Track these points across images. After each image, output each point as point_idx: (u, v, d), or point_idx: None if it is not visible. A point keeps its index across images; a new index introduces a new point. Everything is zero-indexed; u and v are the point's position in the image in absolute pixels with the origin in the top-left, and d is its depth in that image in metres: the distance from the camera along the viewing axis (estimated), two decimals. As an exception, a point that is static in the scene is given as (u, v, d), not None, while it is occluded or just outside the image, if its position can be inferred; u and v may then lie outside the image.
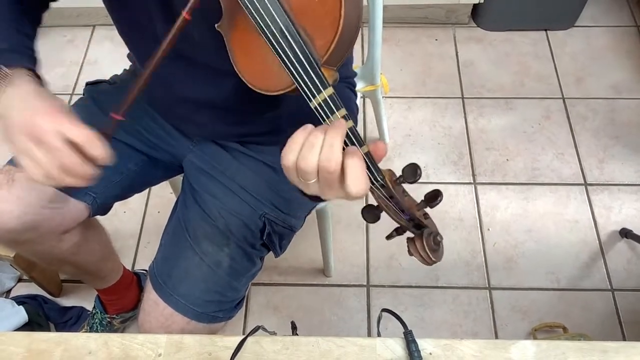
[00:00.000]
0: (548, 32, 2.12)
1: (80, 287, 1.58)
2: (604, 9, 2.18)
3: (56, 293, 1.57)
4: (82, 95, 1.07)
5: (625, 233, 1.62)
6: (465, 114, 1.92)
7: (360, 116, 1.89)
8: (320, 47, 0.56)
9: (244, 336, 0.72)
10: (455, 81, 2.00)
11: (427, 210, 0.62)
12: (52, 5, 0.86)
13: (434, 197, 0.58)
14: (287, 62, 0.57)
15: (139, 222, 1.71)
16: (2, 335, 0.74)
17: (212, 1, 0.62)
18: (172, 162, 1.06)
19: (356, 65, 0.92)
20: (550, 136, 1.86)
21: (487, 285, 1.58)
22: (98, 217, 1.11)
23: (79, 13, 2.08)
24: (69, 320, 1.52)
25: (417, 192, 0.63)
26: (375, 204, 0.62)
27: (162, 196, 1.74)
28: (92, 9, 1.99)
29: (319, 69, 0.56)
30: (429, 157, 1.81)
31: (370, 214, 0.61)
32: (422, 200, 0.59)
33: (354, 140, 0.57)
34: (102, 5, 0.83)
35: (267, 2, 0.56)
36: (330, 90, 0.56)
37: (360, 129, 1.88)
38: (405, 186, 0.61)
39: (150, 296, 0.90)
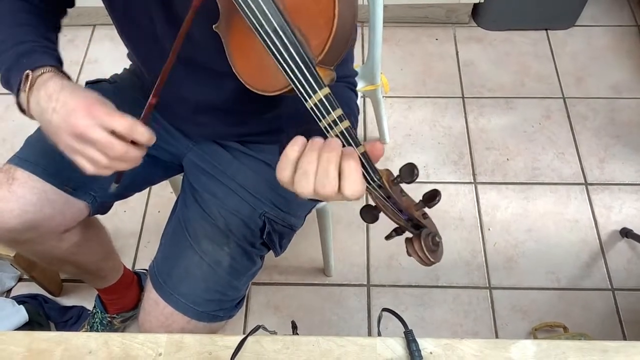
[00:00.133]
0: (548, 31, 2.12)
1: (81, 287, 1.58)
2: (604, 9, 2.18)
3: (56, 292, 1.57)
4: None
5: (625, 233, 1.62)
6: (465, 113, 1.92)
7: (360, 116, 1.89)
8: (315, 47, 0.56)
9: (244, 335, 0.72)
10: (456, 81, 2.00)
11: (426, 210, 0.62)
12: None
13: (432, 197, 0.57)
14: (282, 62, 0.57)
15: (139, 221, 1.71)
16: (2, 335, 0.74)
17: (210, 2, 0.62)
18: (172, 162, 1.06)
19: (356, 65, 0.92)
20: (550, 136, 1.86)
21: (488, 285, 1.58)
22: (98, 216, 1.11)
23: (79, 13, 2.08)
24: (70, 320, 1.52)
25: (416, 192, 0.63)
26: (374, 204, 0.62)
27: (162, 195, 1.74)
28: (92, 8, 1.99)
29: (314, 69, 0.56)
30: (429, 156, 1.81)
31: (369, 214, 0.61)
32: (420, 200, 0.59)
33: (350, 140, 0.56)
34: (102, 5, 0.83)
35: (261, 2, 0.56)
36: (326, 90, 0.56)
37: (360, 128, 1.88)
38: (404, 186, 0.61)
39: (151, 295, 0.90)
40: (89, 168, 0.68)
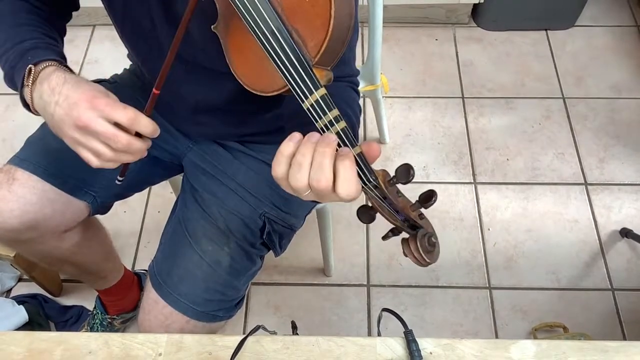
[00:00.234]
0: (548, 31, 2.12)
1: (81, 287, 1.58)
2: (604, 9, 2.18)
3: (56, 293, 1.57)
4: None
5: (625, 233, 1.62)
6: (465, 113, 1.92)
7: (360, 116, 1.88)
8: (312, 48, 0.56)
9: (244, 336, 0.72)
10: (456, 81, 2.00)
11: (423, 210, 0.62)
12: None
13: (428, 198, 0.57)
14: (279, 63, 0.57)
15: (139, 221, 1.71)
16: (2, 335, 0.74)
17: (208, 3, 0.62)
18: (172, 162, 1.06)
19: (357, 65, 0.92)
20: (550, 136, 1.86)
21: (488, 285, 1.58)
22: (98, 216, 1.11)
23: (79, 13, 2.08)
24: (70, 320, 1.52)
25: (415, 192, 0.63)
26: (370, 204, 0.62)
27: (162, 195, 1.74)
28: (92, 9, 1.99)
29: (311, 70, 0.56)
30: (429, 157, 1.81)
31: (365, 214, 0.61)
32: (416, 201, 0.59)
33: (346, 141, 0.56)
34: (102, 5, 0.83)
35: (258, 4, 0.56)
36: (322, 91, 0.56)
37: (360, 128, 1.88)
38: (402, 187, 0.61)
39: (150, 295, 0.90)
40: (93, 161, 0.68)
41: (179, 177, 1.14)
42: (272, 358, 0.71)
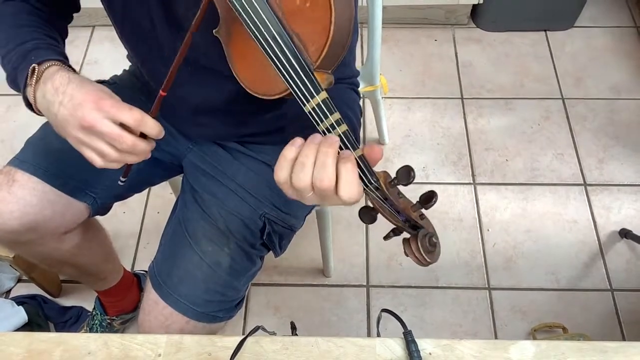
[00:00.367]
0: (547, 32, 2.13)
1: (80, 287, 1.58)
2: (603, 10, 2.19)
3: (56, 293, 1.57)
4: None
5: (624, 233, 1.62)
6: (464, 114, 1.92)
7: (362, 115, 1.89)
8: (313, 53, 0.57)
9: (243, 336, 0.72)
10: (455, 82, 2.00)
11: (424, 211, 0.62)
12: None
13: (428, 199, 0.58)
14: (280, 67, 0.57)
15: (138, 222, 1.71)
16: (1, 336, 0.74)
17: (210, 8, 0.62)
18: (172, 162, 1.06)
19: (356, 66, 0.92)
20: (549, 136, 1.86)
21: (487, 286, 1.58)
22: (98, 217, 1.11)
23: (79, 14, 2.08)
24: (69, 320, 1.52)
25: (416, 192, 0.63)
26: (372, 205, 0.62)
27: (162, 196, 1.74)
28: (92, 9, 1.99)
29: (312, 74, 0.56)
30: (428, 157, 1.82)
31: (367, 215, 0.62)
32: (417, 202, 0.59)
33: (348, 144, 0.57)
34: (102, 6, 0.83)
35: (259, 9, 0.56)
36: (323, 94, 0.56)
37: (360, 129, 1.88)
38: (402, 187, 0.61)
39: (150, 296, 0.90)
40: (97, 161, 0.67)
41: (179, 178, 1.14)
42: (272, 359, 0.71)
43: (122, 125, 0.65)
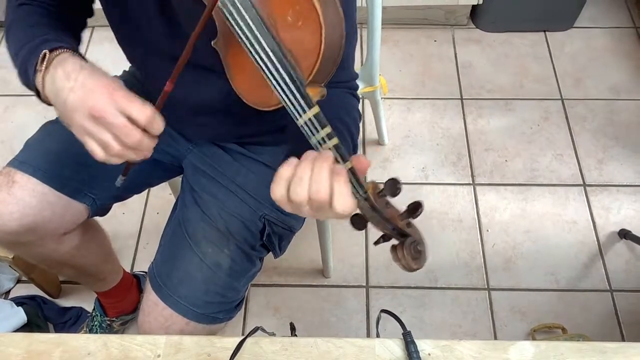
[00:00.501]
0: (547, 33, 2.13)
1: (79, 288, 1.58)
2: (603, 10, 2.19)
3: (55, 294, 1.57)
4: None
5: (624, 234, 1.62)
6: (464, 115, 1.92)
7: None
8: (305, 69, 0.59)
9: (243, 337, 0.72)
10: (454, 82, 2.01)
11: (412, 219, 0.65)
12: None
13: (415, 209, 0.61)
14: (273, 82, 0.59)
15: (137, 223, 1.71)
16: (1, 336, 0.74)
17: (210, 19, 0.62)
18: (172, 163, 1.06)
19: (355, 67, 0.92)
20: (549, 137, 1.86)
21: (486, 286, 1.58)
22: (97, 218, 1.11)
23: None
24: (68, 321, 1.52)
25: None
26: (361, 213, 0.65)
27: (161, 197, 1.74)
28: (92, 10, 1.99)
29: (304, 90, 0.58)
30: (428, 158, 1.82)
31: (357, 222, 0.65)
32: (404, 211, 0.62)
33: (339, 157, 0.59)
34: (101, 6, 0.83)
35: (253, 26, 0.58)
36: (315, 109, 0.58)
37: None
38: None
39: (150, 297, 0.90)
40: (99, 153, 0.65)
41: (178, 179, 1.14)
42: (271, 359, 0.71)
43: (130, 120, 0.64)
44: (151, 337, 0.74)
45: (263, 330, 0.74)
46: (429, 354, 0.71)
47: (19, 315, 1.44)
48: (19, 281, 1.59)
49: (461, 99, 1.96)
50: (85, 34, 0.90)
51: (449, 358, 0.70)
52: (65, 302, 1.57)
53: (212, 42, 0.65)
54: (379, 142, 1.84)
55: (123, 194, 1.07)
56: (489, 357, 0.70)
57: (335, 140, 0.58)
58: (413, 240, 0.62)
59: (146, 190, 1.70)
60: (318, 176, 0.56)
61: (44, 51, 0.68)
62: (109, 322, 1.44)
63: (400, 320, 0.72)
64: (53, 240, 1.01)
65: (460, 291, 1.57)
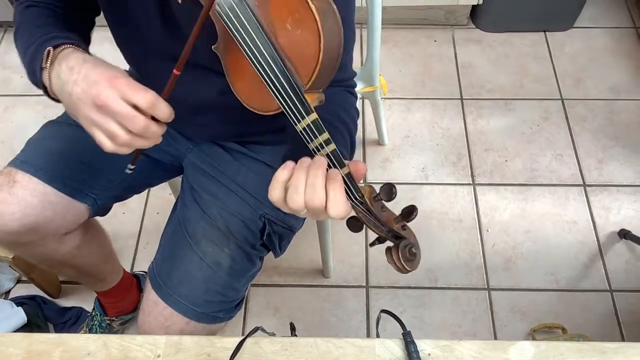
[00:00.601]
0: (547, 33, 2.13)
1: (79, 288, 1.58)
2: (603, 10, 2.19)
3: (55, 294, 1.57)
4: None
5: (624, 234, 1.62)
6: (464, 115, 1.92)
7: (359, 118, 1.89)
8: (303, 76, 0.60)
9: (243, 337, 0.72)
10: (454, 82, 2.01)
11: (407, 222, 0.66)
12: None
13: (409, 213, 0.62)
14: (273, 88, 0.60)
15: (138, 223, 1.71)
16: (1, 337, 0.74)
17: (209, 23, 0.63)
18: (172, 163, 1.06)
19: (355, 67, 0.92)
20: (549, 137, 1.86)
21: (486, 286, 1.58)
22: (98, 218, 1.11)
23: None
24: (68, 321, 1.52)
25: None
26: (358, 216, 0.67)
27: (161, 197, 1.74)
28: (92, 10, 1.99)
29: (303, 96, 0.59)
30: (428, 158, 1.82)
31: (354, 225, 0.66)
32: (399, 215, 0.64)
33: (336, 162, 0.60)
34: (101, 7, 0.83)
35: (252, 33, 0.59)
36: (313, 116, 0.59)
37: (359, 130, 1.88)
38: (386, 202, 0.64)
39: (150, 296, 0.90)
40: (107, 144, 0.66)
41: (178, 179, 1.14)
42: (271, 359, 0.71)
43: (135, 108, 0.65)
44: (151, 337, 0.74)
45: (263, 330, 0.74)
46: (429, 354, 0.71)
47: (19, 315, 1.44)
48: (19, 281, 1.59)
49: (461, 99, 1.96)
50: (85, 34, 0.90)
51: (449, 358, 0.70)
52: (65, 302, 1.57)
53: (213, 47, 0.66)
54: (379, 142, 1.84)
55: (123, 194, 1.07)
56: (489, 357, 0.70)
57: (332, 146, 0.60)
58: (408, 243, 0.64)
59: (146, 191, 1.70)
60: (312, 184, 0.58)
61: (48, 48, 0.69)
62: (108, 322, 1.44)
63: (400, 320, 0.72)
64: (54, 240, 1.01)
65: (460, 291, 1.57)
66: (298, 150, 0.63)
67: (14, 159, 0.95)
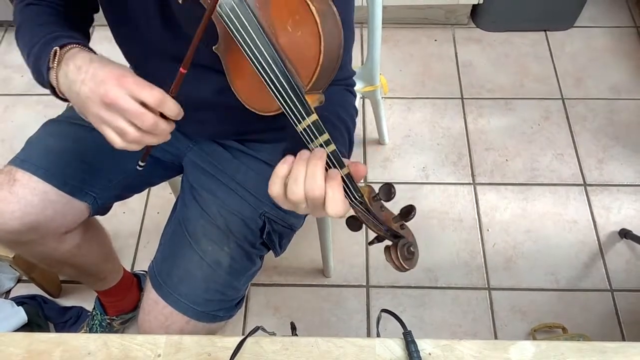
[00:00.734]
0: (547, 32, 2.13)
1: (80, 288, 1.58)
2: (603, 10, 2.19)
3: (55, 294, 1.57)
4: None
5: (624, 233, 1.62)
6: (464, 114, 1.92)
7: (359, 117, 1.89)
8: (304, 77, 0.60)
9: (243, 337, 0.72)
10: (455, 82, 2.01)
11: (406, 221, 0.67)
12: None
13: (408, 213, 0.63)
14: (273, 89, 0.60)
15: (138, 222, 1.71)
16: (1, 336, 0.74)
17: (210, 24, 0.63)
18: (173, 162, 1.06)
19: (356, 66, 0.92)
20: (549, 137, 1.86)
21: (487, 286, 1.58)
22: (98, 217, 1.11)
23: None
24: (69, 321, 1.52)
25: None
26: (357, 216, 0.67)
27: (162, 196, 1.74)
28: (92, 9, 1.99)
29: (303, 97, 0.60)
30: (428, 157, 1.82)
31: (353, 224, 0.67)
32: (398, 214, 0.64)
33: (335, 163, 0.61)
34: (101, 6, 0.83)
35: (253, 34, 0.59)
36: (314, 117, 0.60)
37: (359, 129, 1.88)
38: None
39: (150, 295, 0.90)
40: (117, 141, 0.67)
41: (178, 178, 1.14)
42: (271, 359, 0.71)
43: (144, 105, 0.65)
44: (151, 337, 0.74)
45: (263, 329, 0.74)
46: (430, 354, 0.71)
47: (20, 315, 1.45)
48: (19, 281, 1.60)
49: (461, 98, 1.96)
50: (85, 34, 0.90)
51: (450, 358, 0.70)
52: (65, 302, 1.57)
53: (214, 48, 0.66)
54: (380, 142, 1.84)
55: (124, 193, 1.07)
56: (489, 356, 0.70)
57: (332, 147, 0.60)
58: (406, 242, 0.65)
59: (146, 190, 1.70)
60: (312, 174, 0.58)
61: (54, 48, 0.70)
62: (109, 321, 1.44)
63: (401, 320, 0.72)
64: (54, 239, 1.01)
65: (461, 291, 1.57)
66: (298, 148, 0.63)
67: (14, 158, 0.95)
